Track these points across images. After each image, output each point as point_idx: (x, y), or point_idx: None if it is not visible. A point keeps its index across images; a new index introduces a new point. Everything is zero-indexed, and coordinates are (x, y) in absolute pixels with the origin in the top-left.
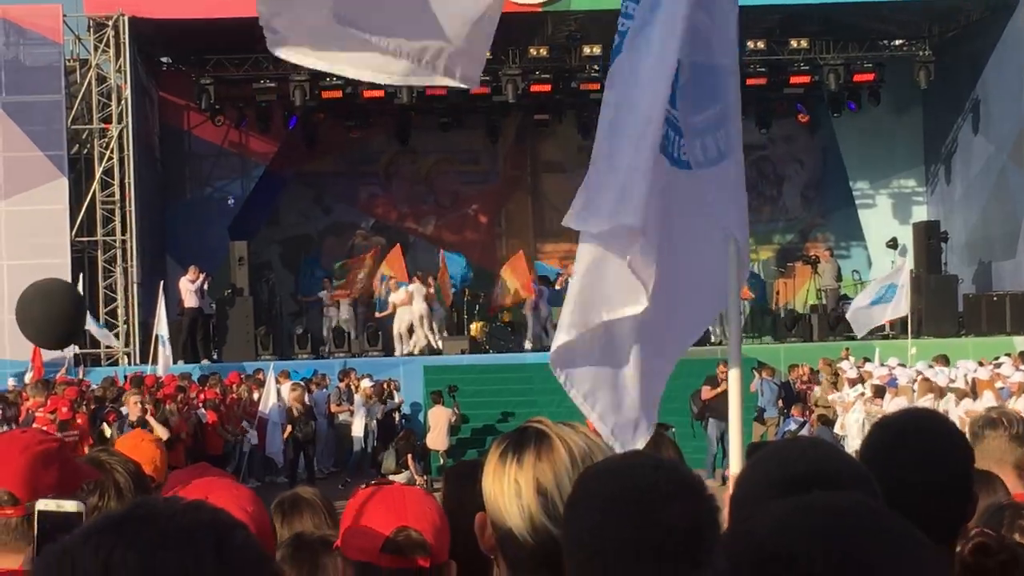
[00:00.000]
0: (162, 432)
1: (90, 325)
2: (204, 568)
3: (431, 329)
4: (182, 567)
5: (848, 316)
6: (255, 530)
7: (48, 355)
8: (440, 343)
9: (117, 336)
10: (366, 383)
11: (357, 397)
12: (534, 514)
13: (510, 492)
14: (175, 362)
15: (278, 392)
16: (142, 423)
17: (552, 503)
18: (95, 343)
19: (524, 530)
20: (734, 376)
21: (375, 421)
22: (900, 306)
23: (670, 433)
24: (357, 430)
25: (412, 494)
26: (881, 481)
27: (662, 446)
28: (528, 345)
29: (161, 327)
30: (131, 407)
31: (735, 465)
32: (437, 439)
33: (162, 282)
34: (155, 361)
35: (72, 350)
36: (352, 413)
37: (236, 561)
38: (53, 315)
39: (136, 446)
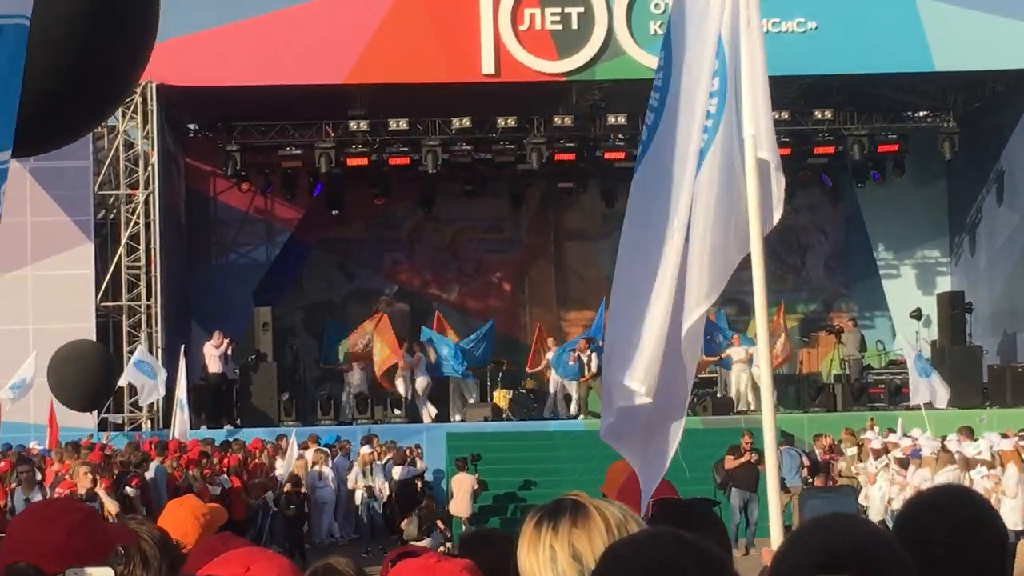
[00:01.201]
0: (112, 507)
1: (134, 376)
2: None
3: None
4: None
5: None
6: None
7: (67, 420)
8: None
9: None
10: (365, 449)
11: (356, 464)
12: None
13: (545, 558)
14: (198, 427)
15: (302, 457)
16: (92, 496)
17: (587, 569)
18: (119, 408)
19: None
20: (769, 444)
21: (387, 485)
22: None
23: (716, 510)
24: (357, 495)
25: (448, 569)
26: (915, 556)
27: (709, 526)
28: (547, 414)
29: (180, 391)
30: (80, 479)
31: (776, 536)
32: (460, 506)
33: (182, 347)
34: (173, 426)
35: (95, 415)
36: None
37: None
38: (85, 376)
39: (175, 512)
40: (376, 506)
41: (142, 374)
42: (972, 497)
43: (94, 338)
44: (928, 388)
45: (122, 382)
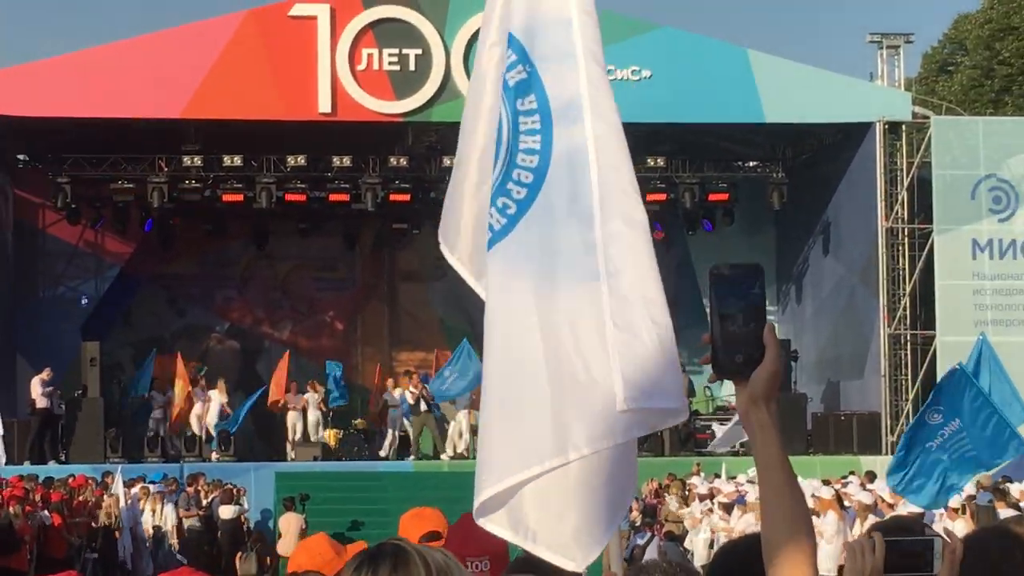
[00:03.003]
0: None
1: None
2: None
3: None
4: None
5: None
6: None
7: None
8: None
9: None
10: (153, 488)
11: (147, 504)
12: None
13: None
14: (22, 462)
15: (126, 495)
16: None
17: None
18: None
19: None
20: None
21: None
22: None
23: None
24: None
25: None
26: None
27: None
28: (383, 453)
29: None
30: None
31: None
32: (288, 545)
33: None
34: None
35: None
36: (199, 518)
37: None
38: None
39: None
40: (172, 545)
41: None
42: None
43: None
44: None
45: None
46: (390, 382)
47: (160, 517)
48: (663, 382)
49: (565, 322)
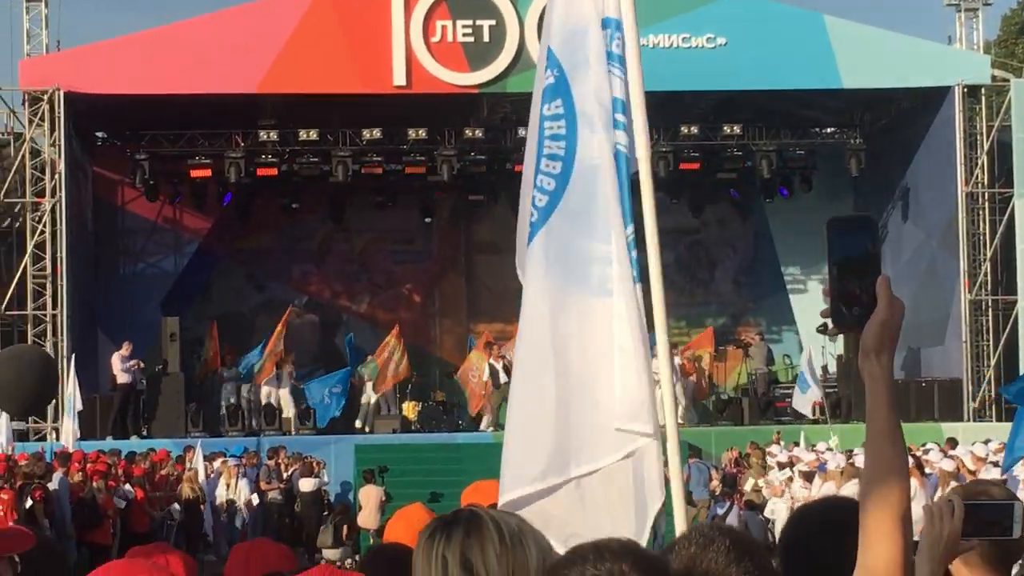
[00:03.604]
0: None
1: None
2: None
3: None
4: None
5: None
6: None
7: None
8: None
9: (46, 412)
10: (231, 462)
11: (222, 478)
12: None
13: (437, 568)
14: (104, 438)
15: (206, 469)
16: None
17: None
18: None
19: None
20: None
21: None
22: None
23: None
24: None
25: None
26: (800, 566)
27: None
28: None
29: (73, 401)
30: None
31: None
32: (368, 518)
33: (73, 355)
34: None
35: (14, 424)
36: (281, 491)
37: None
38: (25, 380)
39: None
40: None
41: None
42: (856, 509)
43: None
44: (801, 400)
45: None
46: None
47: (236, 490)
48: (644, 406)
49: (575, 335)
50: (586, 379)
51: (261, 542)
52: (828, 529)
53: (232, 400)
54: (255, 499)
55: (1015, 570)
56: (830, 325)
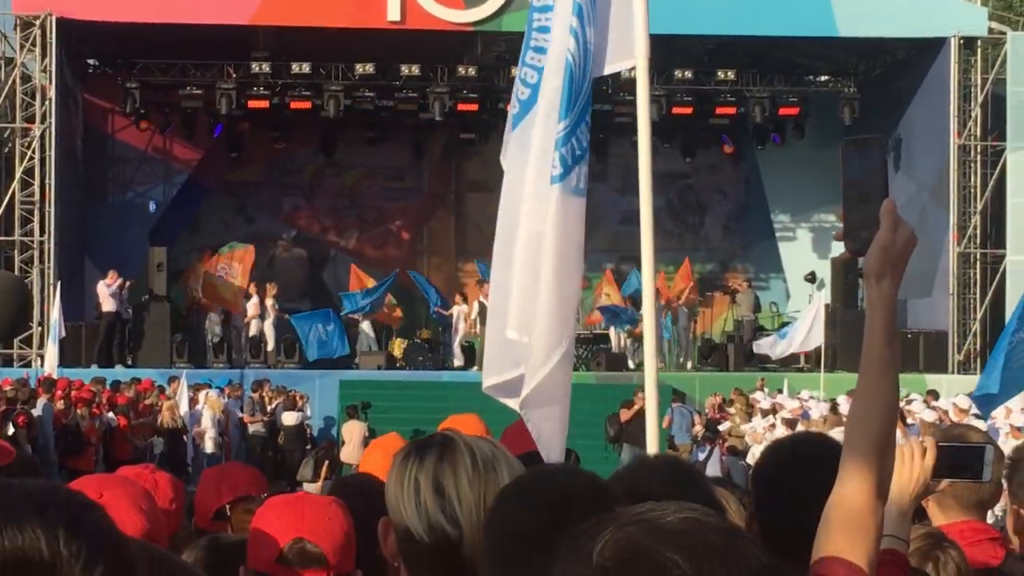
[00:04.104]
0: None
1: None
2: (55, 543)
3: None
4: (33, 541)
5: (757, 346)
6: (150, 525)
7: None
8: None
9: (31, 338)
10: (212, 393)
11: (205, 410)
12: (431, 513)
13: (409, 491)
14: (89, 366)
15: (190, 401)
16: None
17: (450, 503)
18: (7, 344)
19: (421, 529)
20: (651, 398)
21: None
22: (812, 338)
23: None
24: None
25: (313, 504)
26: (773, 503)
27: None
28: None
29: (55, 327)
30: None
31: None
32: (351, 453)
33: (59, 283)
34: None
35: None
36: (264, 424)
37: (88, 539)
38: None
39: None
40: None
41: None
42: (827, 444)
43: None
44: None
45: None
46: (457, 297)
47: (218, 422)
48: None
49: (544, 226)
50: (544, 271)
51: (232, 466)
52: (800, 462)
53: (217, 332)
54: (237, 432)
55: (991, 518)
56: (843, 249)
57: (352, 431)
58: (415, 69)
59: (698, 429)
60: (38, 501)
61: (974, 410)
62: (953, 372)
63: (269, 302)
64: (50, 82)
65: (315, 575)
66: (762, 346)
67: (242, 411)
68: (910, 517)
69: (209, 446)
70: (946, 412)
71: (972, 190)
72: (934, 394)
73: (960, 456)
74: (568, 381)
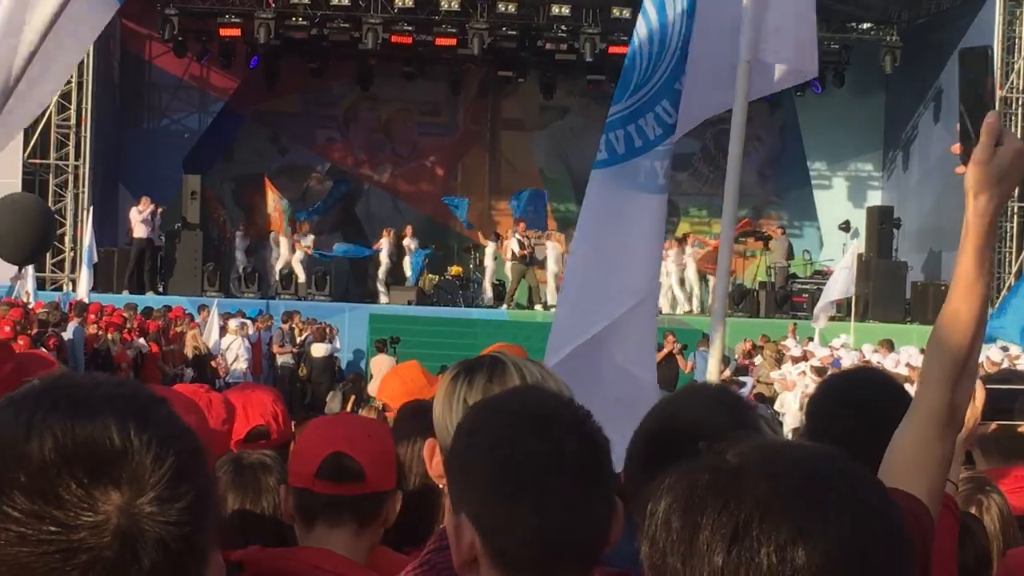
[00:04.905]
0: None
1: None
2: (125, 433)
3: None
4: (104, 430)
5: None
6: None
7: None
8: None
9: (63, 262)
10: (233, 323)
11: (226, 336)
12: None
13: (458, 411)
14: (121, 291)
15: (222, 330)
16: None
17: None
18: (40, 267)
19: None
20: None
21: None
22: (846, 287)
23: None
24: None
25: (354, 421)
26: (827, 432)
27: None
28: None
29: (88, 251)
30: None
31: None
32: (378, 387)
33: (92, 207)
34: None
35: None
36: (293, 355)
37: (157, 430)
38: (24, 228)
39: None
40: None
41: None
42: (882, 376)
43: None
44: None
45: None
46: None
47: (242, 350)
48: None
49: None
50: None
51: (249, 385)
52: (860, 393)
53: (248, 262)
54: (266, 362)
55: None
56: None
57: (380, 365)
58: (454, 4)
59: (726, 375)
60: (108, 393)
61: (1006, 364)
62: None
63: (303, 240)
64: None
65: (353, 489)
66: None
67: (271, 341)
68: (960, 460)
69: (236, 375)
70: (980, 364)
71: None
72: None
73: (1006, 398)
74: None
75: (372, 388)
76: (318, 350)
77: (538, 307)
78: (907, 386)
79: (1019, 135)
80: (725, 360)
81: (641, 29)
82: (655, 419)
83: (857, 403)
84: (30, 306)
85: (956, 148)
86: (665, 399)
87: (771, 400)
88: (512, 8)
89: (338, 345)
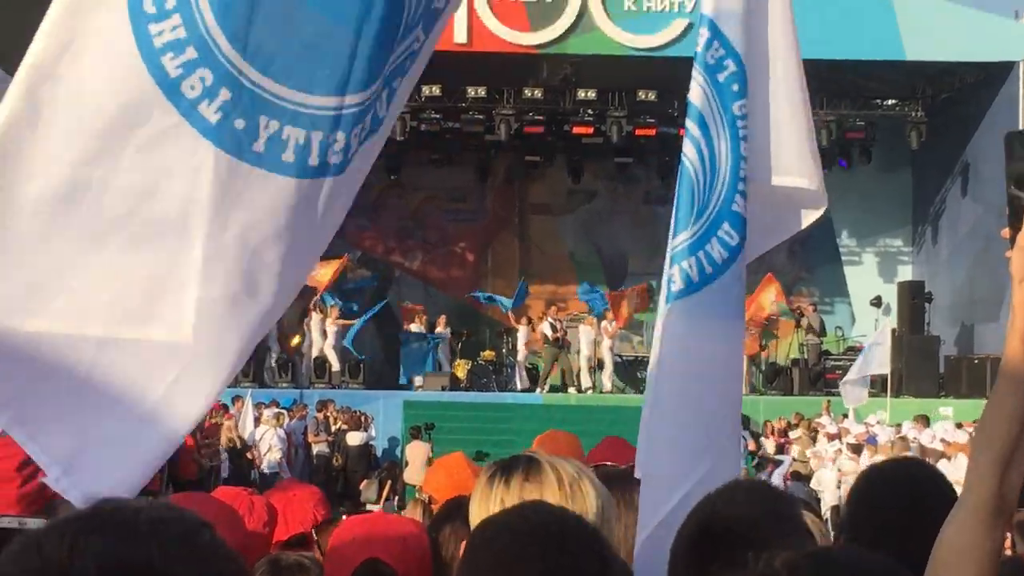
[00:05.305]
0: None
1: None
2: (170, 558)
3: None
4: (147, 556)
5: (841, 389)
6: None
7: None
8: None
9: None
10: (267, 413)
11: (260, 427)
12: None
13: (494, 512)
14: None
15: (256, 420)
16: None
17: None
18: None
19: None
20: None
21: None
22: (880, 363)
23: None
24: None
25: (389, 524)
26: (869, 523)
27: None
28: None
29: None
30: None
31: None
32: (415, 474)
33: None
34: None
35: None
36: (328, 444)
37: (201, 554)
38: None
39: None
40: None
41: None
42: (924, 467)
43: None
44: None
45: None
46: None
47: (276, 441)
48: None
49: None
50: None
51: (290, 482)
52: (901, 488)
53: (281, 351)
54: (302, 452)
55: None
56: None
57: (416, 452)
58: (481, 91)
59: (763, 451)
60: (151, 518)
61: None
62: None
63: (331, 326)
64: None
65: None
66: (847, 392)
67: (306, 431)
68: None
69: (272, 466)
70: None
71: None
72: None
73: None
74: None
75: (408, 475)
76: (353, 438)
77: (572, 390)
78: (943, 461)
79: None
80: (753, 436)
81: (689, 150)
82: (696, 519)
83: (900, 494)
84: None
85: (1005, 233)
86: (706, 497)
87: (807, 478)
88: (538, 93)
89: (373, 433)
